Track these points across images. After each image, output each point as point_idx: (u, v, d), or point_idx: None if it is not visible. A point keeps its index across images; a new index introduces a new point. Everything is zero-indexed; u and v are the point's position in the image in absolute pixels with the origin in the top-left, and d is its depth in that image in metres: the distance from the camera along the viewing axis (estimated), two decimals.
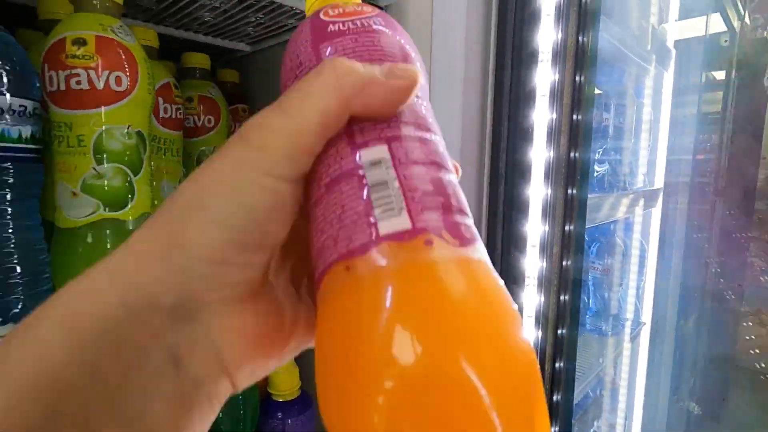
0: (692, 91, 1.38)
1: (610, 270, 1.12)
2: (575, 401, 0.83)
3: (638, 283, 1.20)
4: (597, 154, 0.96)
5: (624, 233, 1.17)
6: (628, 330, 1.14)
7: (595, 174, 0.97)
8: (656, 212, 1.18)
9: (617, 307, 1.14)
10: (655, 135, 1.16)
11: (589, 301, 1.13)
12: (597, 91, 1.13)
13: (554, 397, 0.57)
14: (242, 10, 0.62)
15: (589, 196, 0.78)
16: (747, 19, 1.80)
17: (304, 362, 0.62)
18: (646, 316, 1.22)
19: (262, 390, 0.58)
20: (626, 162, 1.05)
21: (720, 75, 1.67)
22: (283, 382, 0.57)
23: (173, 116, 0.54)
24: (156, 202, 0.50)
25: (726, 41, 1.64)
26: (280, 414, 0.56)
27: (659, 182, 1.17)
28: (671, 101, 1.16)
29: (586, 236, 1.11)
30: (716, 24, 1.53)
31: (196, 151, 0.65)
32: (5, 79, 0.35)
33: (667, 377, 1.36)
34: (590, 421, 1.14)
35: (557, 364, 0.52)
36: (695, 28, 1.43)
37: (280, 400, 0.57)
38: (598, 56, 0.67)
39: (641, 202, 1.07)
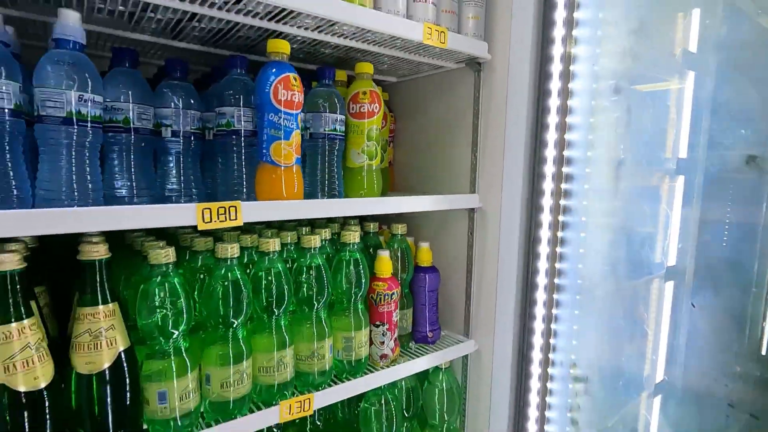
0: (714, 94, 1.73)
1: (639, 228, 1.54)
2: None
3: (663, 241, 1.59)
4: (621, 146, 1.40)
5: (650, 202, 1.58)
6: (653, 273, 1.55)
7: (621, 158, 1.41)
8: (679, 186, 1.57)
9: (646, 256, 1.55)
10: (677, 131, 1.55)
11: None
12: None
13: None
14: (402, 63, 1.16)
15: (607, 169, 1.24)
16: None
17: (435, 249, 1.15)
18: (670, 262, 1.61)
19: (414, 261, 1.12)
20: (647, 150, 1.46)
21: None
22: (424, 257, 1.11)
23: None
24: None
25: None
26: (422, 273, 1.10)
27: (680, 169, 1.56)
28: (692, 105, 1.54)
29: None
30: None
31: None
32: (339, 109, 0.91)
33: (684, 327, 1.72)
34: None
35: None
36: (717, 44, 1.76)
37: (423, 266, 1.11)
38: (628, 75, 1.13)
39: (666, 180, 1.48)
